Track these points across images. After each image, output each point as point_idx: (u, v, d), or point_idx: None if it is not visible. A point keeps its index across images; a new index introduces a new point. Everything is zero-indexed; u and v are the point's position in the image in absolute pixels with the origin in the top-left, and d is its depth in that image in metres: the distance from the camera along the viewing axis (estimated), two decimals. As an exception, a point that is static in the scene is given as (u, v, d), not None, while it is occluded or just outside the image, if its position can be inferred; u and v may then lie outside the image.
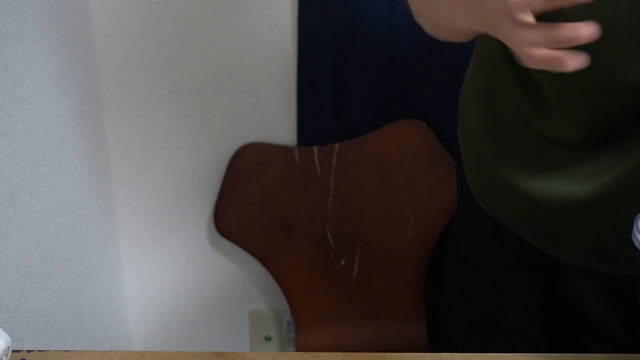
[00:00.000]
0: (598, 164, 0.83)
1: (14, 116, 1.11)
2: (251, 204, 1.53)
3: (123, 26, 1.45)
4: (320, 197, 1.52)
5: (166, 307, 1.70)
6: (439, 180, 1.49)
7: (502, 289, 1.05)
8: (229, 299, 1.69)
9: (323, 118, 1.49)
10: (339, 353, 0.82)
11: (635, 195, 0.81)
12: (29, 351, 0.84)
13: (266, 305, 1.69)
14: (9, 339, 0.79)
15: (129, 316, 1.70)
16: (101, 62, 1.48)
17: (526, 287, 1.02)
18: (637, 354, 0.82)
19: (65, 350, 0.84)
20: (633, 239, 0.68)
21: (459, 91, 1.04)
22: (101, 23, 1.45)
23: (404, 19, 1.40)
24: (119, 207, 1.60)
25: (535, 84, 0.85)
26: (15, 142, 1.11)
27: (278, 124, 1.53)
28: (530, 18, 0.66)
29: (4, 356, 0.78)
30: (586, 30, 0.62)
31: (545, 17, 0.67)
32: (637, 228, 0.68)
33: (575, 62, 0.63)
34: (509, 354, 0.82)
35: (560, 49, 0.64)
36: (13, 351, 0.83)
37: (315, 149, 1.51)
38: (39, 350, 0.84)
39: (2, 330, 0.79)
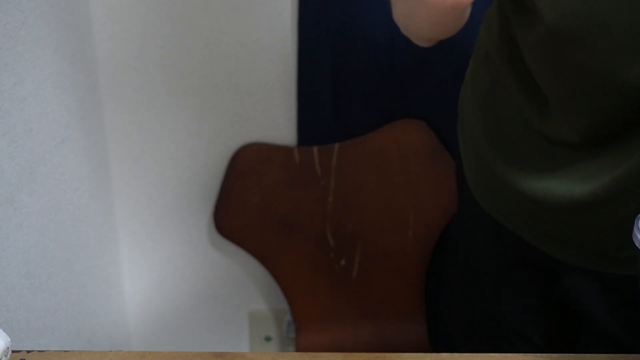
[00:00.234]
0: (598, 164, 0.83)
1: (14, 116, 1.11)
2: (251, 204, 1.53)
3: (123, 26, 1.45)
4: (320, 197, 1.52)
5: (166, 307, 1.70)
6: (439, 180, 1.49)
7: (502, 289, 1.04)
8: (228, 299, 1.68)
9: (323, 118, 1.49)
10: (339, 353, 0.82)
11: (636, 195, 0.81)
12: (28, 351, 0.84)
13: (266, 305, 1.69)
14: (9, 339, 0.79)
15: (129, 316, 1.70)
16: (101, 62, 1.48)
17: (526, 287, 1.02)
18: (637, 354, 0.82)
19: (65, 351, 0.84)
20: (634, 238, 0.68)
21: (459, 91, 1.04)
22: (101, 23, 1.44)
23: (404, 19, 1.40)
24: (118, 207, 1.60)
25: (535, 84, 0.85)
26: (15, 142, 1.11)
27: (278, 124, 1.52)
28: None
29: (4, 356, 0.78)
30: None
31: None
32: (638, 228, 0.68)
33: None
34: (509, 354, 0.82)
35: None
36: (13, 351, 0.82)
37: (315, 149, 1.50)
38: (38, 351, 0.84)
39: (1, 330, 0.79)
